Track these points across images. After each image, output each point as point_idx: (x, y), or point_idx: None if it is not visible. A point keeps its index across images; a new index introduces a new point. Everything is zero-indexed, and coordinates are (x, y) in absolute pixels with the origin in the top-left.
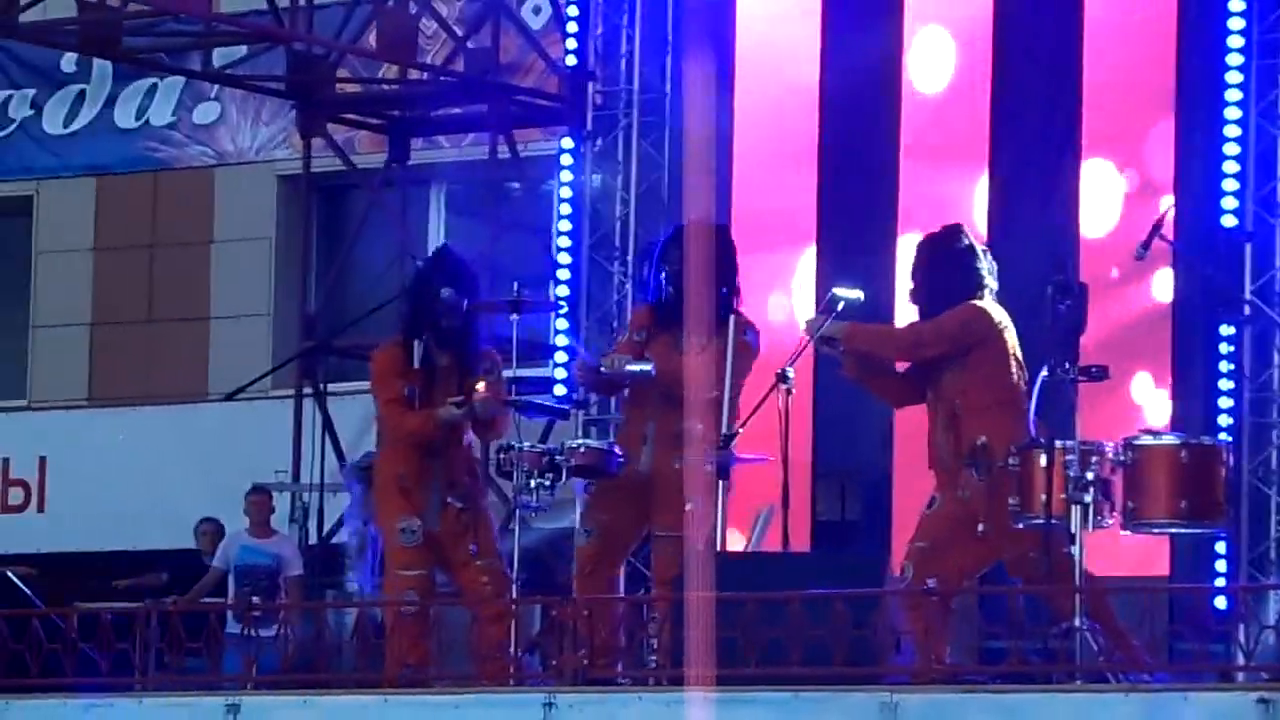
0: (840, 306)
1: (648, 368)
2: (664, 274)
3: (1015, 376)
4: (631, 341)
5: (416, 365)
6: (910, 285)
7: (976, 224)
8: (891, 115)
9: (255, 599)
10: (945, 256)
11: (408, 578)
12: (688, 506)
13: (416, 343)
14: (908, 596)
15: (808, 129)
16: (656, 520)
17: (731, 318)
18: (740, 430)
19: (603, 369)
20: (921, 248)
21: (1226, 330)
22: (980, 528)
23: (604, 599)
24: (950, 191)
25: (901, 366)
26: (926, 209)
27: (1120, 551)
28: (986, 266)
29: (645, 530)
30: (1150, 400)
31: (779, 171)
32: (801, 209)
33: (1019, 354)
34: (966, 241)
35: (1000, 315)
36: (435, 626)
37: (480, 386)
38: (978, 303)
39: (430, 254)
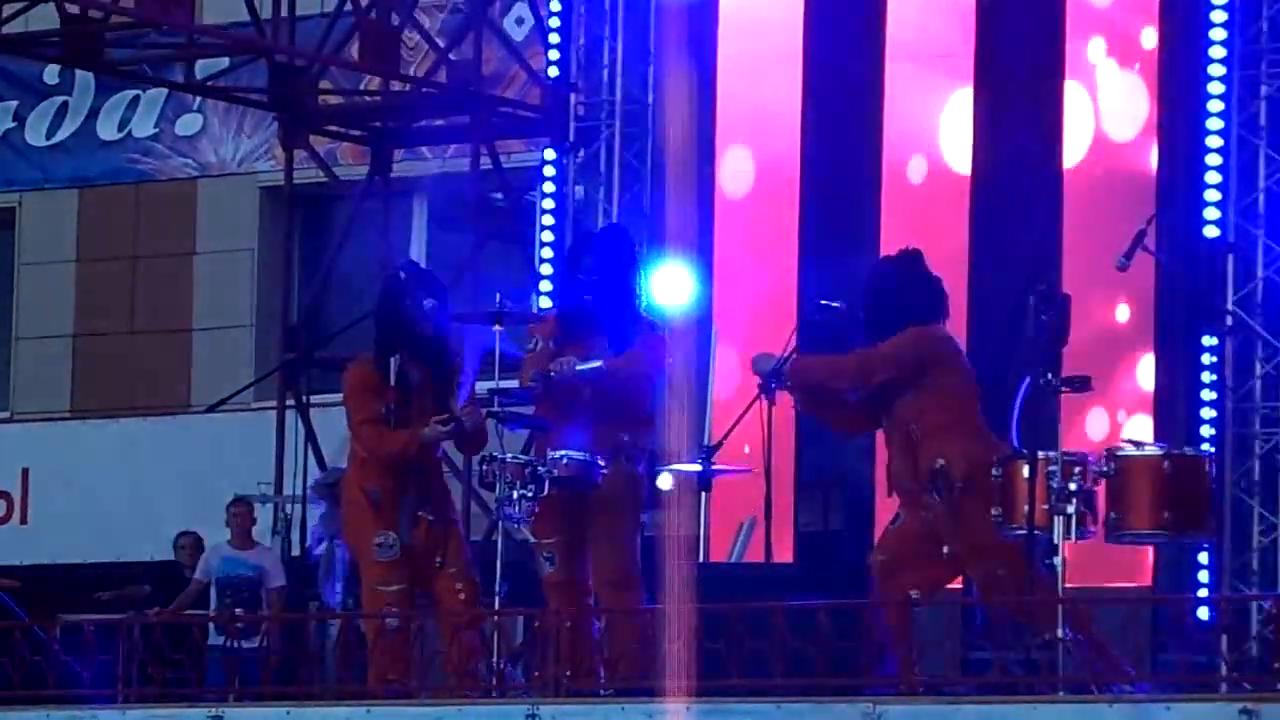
0: (824, 317)
1: (598, 364)
2: (574, 283)
3: (970, 396)
4: (547, 351)
5: (393, 383)
6: (870, 304)
7: (958, 231)
8: (873, 123)
9: (238, 611)
10: (913, 278)
11: (387, 594)
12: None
13: (392, 359)
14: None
15: (789, 137)
16: (592, 524)
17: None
18: (722, 442)
19: (552, 373)
20: (884, 268)
21: (1209, 341)
22: (945, 550)
23: (586, 610)
24: (932, 199)
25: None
26: (909, 220)
27: (1103, 562)
28: (938, 296)
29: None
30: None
31: (762, 182)
32: (784, 219)
33: (971, 374)
34: (923, 270)
35: (947, 336)
36: (417, 640)
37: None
38: (921, 326)
39: (397, 269)
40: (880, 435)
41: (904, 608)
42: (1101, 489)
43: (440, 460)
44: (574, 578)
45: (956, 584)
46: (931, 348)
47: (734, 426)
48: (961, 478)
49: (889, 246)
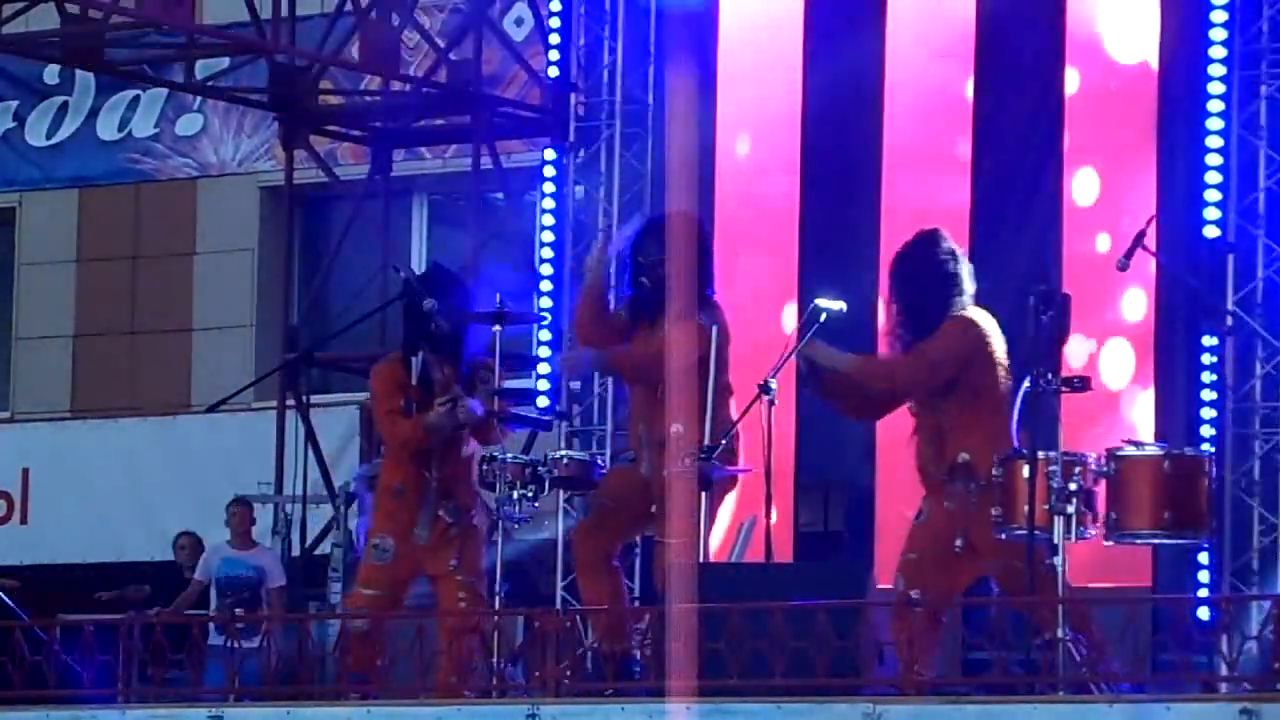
0: (823, 318)
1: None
2: (637, 267)
3: (1003, 386)
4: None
5: (414, 380)
6: (892, 305)
7: (958, 231)
8: (874, 123)
9: (238, 610)
10: (923, 267)
11: (366, 596)
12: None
13: (414, 358)
14: (893, 606)
15: (790, 138)
16: (660, 528)
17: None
18: (723, 443)
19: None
20: (899, 263)
21: (1209, 341)
22: (958, 543)
23: (586, 610)
24: (932, 200)
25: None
26: (909, 217)
27: (1103, 562)
28: (966, 270)
29: (643, 526)
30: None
31: (761, 181)
32: (784, 218)
33: (1005, 360)
34: (946, 245)
35: (987, 323)
36: (388, 641)
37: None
38: (963, 314)
39: (432, 269)
40: (881, 435)
41: (909, 607)
42: (1101, 489)
43: (468, 462)
44: (603, 541)
45: None
46: (977, 342)
47: (735, 425)
48: (985, 475)
49: (889, 246)
